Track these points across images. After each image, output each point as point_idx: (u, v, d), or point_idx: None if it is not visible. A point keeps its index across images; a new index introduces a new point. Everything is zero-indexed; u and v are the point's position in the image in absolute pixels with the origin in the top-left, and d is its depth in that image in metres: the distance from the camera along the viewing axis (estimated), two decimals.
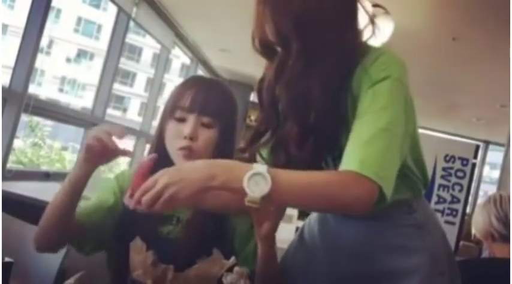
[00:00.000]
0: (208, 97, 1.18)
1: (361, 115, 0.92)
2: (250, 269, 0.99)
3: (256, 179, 0.79)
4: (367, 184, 0.84)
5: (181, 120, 1.16)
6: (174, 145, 1.16)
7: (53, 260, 1.29)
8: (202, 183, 0.82)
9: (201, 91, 1.18)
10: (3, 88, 2.56)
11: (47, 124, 10.46)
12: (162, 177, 0.83)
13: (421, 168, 1.06)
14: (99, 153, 0.99)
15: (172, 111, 1.18)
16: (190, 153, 1.14)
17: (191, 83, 1.22)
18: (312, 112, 0.95)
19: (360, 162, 0.85)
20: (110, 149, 0.98)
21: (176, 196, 0.82)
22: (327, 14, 0.94)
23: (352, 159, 0.87)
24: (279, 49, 0.98)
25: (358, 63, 0.96)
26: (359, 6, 1.00)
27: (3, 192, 2.23)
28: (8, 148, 2.68)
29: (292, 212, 3.07)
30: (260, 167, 0.81)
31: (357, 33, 0.99)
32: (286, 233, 1.23)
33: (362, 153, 0.87)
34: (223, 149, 1.14)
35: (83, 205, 1.19)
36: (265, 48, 0.99)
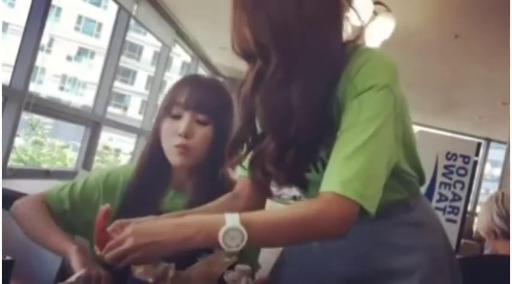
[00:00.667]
0: (204, 94, 1.19)
1: (345, 129, 0.88)
2: (252, 266, 0.99)
3: (231, 234, 0.78)
4: (348, 204, 0.83)
5: (177, 117, 1.18)
6: (169, 142, 1.17)
7: (55, 258, 1.29)
8: (177, 247, 0.80)
9: (197, 88, 1.19)
10: (3, 86, 2.56)
11: (47, 123, 10.46)
12: (129, 238, 0.80)
13: (416, 167, 1.05)
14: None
15: (168, 107, 1.19)
16: (185, 151, 1.16)
17: (188, 81, 1.24)
18: (292, 126, 0.90)
19: (340, 182, 0.84)
20: None
21: (141, 261, 0.83)
22: (307, 21, 0.87)
23: (332, 178, 0.86)
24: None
25: (342, 68, 0.90)
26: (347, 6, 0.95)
27: (4, 190, 2.23)
28: (8, 147, 2.68)
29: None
30: (232, 219, 0.79)
31: (340, 36, 0.93)
32: None
33: (343, 171, 0.85)
34: (218, 146, 1.14)
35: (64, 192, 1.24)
36: (246, 53, 0.93)
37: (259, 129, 0.99)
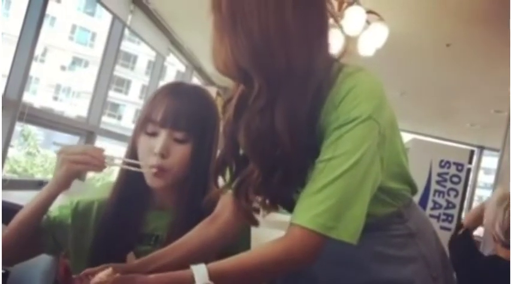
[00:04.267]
0: (182, 108, 1.10)
1: (322, 160, 0.87)
2: None
3: None
4: (314, 238, 0.85)
5: (153, 135, 1.10)
6: (145, 161, 1.10)
7: (49, 269, 1.28)
8: None
9: (175, 101, 1.10)
10: None
11: (38, 134, 10.41)
12: None
13: (405, 181, 1.04)
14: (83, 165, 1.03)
15: (144, 124, 1.11)
16: (161, 172, 1.09)
17: (166, 92, 1.13)
18: (276, 151, 0.87)
19: (308, 217, 0.85)
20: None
21: None
22: (290, 41, 0.83)
23: (302, 211, 0.86)
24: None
25: (326, 92, 0.87)
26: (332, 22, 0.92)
27: None
28: (2, 157, 2.67)
29: (285, 218, 3.06)
30: (201, 275, 0.79)
31: (326, 55, 0.90)
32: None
33: (312, 205, 0.85)
34: (199, 164, 1.10)
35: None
36: (228, 75, 0.89)
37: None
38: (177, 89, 1.15)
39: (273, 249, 0.87)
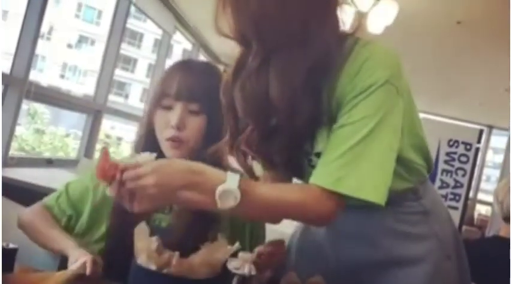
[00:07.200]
0: (195, 82, 1.15)
1: (341, 125, 0.88)
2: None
3: (227, 194, 0.82)
4: (332, 200, 0.86)
5: (169, 108, 1.14)
6: (162, 135, 1.14)
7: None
8: (184, 189, 0.83)
9: (187, 76, 1.15)
10: (4, 74, 2.55)
11: (45, 112, 10.45)
12: (149, 175, 0.82)
13: (423, 155, 1.04)
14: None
15: (159, 99, 1.15)
16: (178, 144, 1.13)
17: (178, 68, 1.19)
18: (270, 115, 0.90)
19: (330, 178, 0.85)
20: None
21: (152, 198, 0.83)
22: (290, 17, 0.86)
23: (321, 174, 0.87)
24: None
25: (341, 64, 0.89)
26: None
27: (6, 178, 2.24)
28: (10, 135, 2.68)
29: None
30: (232, 182, 0.83)
31: (333, 29, 0.91)
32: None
33: (333, 168, 0.86)
34: (213, 135, 1.11)
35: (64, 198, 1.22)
36: (228, 36, 0.92)
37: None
38: (188, 64, 1.21)
39: (306, 193, 0.88)
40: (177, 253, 0.93)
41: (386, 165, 0.88)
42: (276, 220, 0.95)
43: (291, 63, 0.87)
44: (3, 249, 0.95)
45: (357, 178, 0.85)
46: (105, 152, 0.88)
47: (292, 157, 0.97)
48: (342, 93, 0.89)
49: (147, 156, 0.88)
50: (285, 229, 1.32)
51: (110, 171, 0.84)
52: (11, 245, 0.98)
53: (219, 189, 0.82)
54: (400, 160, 0.94)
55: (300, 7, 0.86)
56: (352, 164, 0.85)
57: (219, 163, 1.05)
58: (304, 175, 0.99)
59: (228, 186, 0.82)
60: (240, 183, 0.83)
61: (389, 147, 0.88)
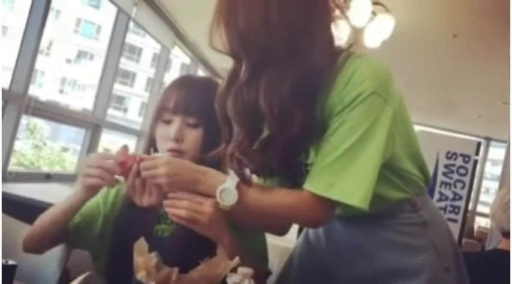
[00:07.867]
0: (192, 97, 1.20)
1: (330, 134, 0.94)
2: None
3: (227, 192, 0.95)
4: (322, 205, 0.93)
5: (168, 122, 1.20)
6: (163, 147, 1.20)
7: (56, 261, 1.29)
8: (190, 185, 0.98)
9: (186, 91, 1.21)
10: (3, 90, 2.56)
11: (44, 128, 10.45)
12: (163, 165, 0.96)
13: (419, 166, 1.06)
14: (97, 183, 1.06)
15: (159, 113, 1.21)
16: (178, 155, 1.17)
17: (177, 84, 1.25)
18: (260, 124, 0.98)
19: (321, 185, 0.92)
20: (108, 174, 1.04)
21: (162, 188, 0.98)
22: (275, 31, 0.91)
23: (313, 180, 0.94)
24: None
25: (332, 77, 0.93)
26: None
27: (4, 193, 2.23)
28: (9, 150, 2.68)
29: None
30: (231, 182, 0.95)
31: (322, 44, 0.94)
32: (290, 232, 1.22)
33: (324, 174, 0.93)
34: (209, 146, 1.15)
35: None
36: (221, 51, 0.99)
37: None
38: (187, 80, 1.28)
39: (298, 198, 0.96)
40: (176, 269, 0.93)
41: (372, 171, 0.92)
42: (271, 223, 1.04)
43: (277, 77, 0.92)
44: (3, 266, 0.95)
45: (345, 185, 0.91)
46: (125, 148, 1.00)
47: (287, 167, 1.02)
48: (333, 103, 0.93)
49: (162, 154, 1.02)
50: (288, 244, 1.32)
51: (129, 162, 0.98)
52: (10, 262, 0.98)
53: (220, 187, 0.94)
54: (396, 170, 0.96)
55: (286, 24, 0.91)
56: (342, 172, 0.91)
57: (218, 168, 1.08)
58: (299, 185, 1.00)
59: (227, 185, 0.94)
60: (238, 184, 0.94)
61: (376, 155, 0.92)
